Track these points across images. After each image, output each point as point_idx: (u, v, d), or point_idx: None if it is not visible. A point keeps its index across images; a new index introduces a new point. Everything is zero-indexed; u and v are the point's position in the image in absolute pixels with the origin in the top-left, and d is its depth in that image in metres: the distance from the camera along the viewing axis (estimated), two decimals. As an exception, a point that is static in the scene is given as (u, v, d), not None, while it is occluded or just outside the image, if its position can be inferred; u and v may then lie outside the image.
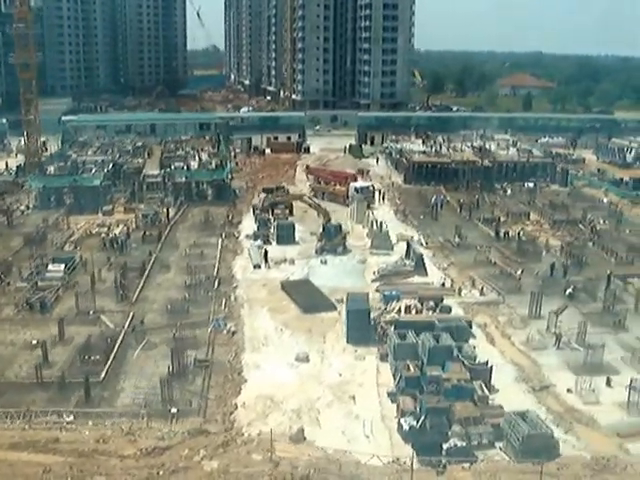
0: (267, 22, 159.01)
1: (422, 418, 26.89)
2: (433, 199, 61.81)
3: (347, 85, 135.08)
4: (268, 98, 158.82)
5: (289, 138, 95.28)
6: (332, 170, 72.31)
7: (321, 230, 50.78)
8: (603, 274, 45.15)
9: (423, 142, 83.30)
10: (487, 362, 31.29)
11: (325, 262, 47.57)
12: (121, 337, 35.79)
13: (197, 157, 72.77)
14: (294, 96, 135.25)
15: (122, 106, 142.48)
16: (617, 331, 37.42)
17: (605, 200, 68.55)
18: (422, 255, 45.87)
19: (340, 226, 51.04)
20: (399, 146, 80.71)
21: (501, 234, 53.59)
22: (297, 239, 52.63)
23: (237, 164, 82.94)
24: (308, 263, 47.63)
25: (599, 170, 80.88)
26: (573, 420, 28.78)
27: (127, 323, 37.64)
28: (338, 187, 64.11)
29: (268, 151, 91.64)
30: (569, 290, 41.63)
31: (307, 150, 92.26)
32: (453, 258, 49.09)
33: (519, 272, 45.72)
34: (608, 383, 31.45)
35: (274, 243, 51.79)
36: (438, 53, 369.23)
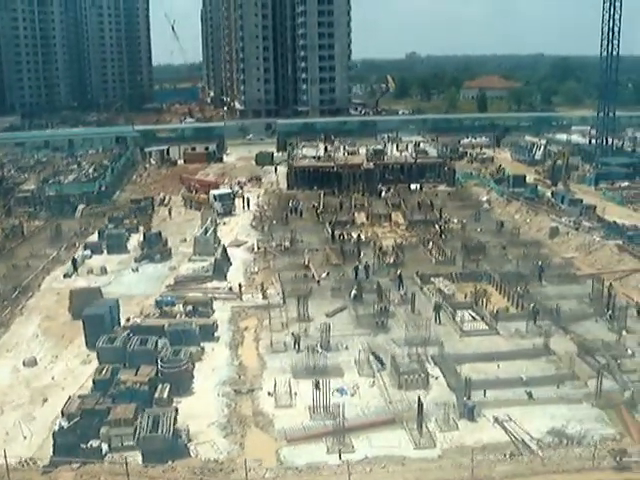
0: (222, 34, 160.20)
1: (76, 419, 26.60)
2: (290, 204, 61.46)
3: (289, 93, 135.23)
4: (226, 109, 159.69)
5: (207, 148, 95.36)
6: (198, 179, 72.23)
7: (142, 239, 50.75)
8: (411, 274, 44.60)
9: (325, 148, 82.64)
10: (184, 365, 30.78)
11: (136, 270, 47.38)
12: None
13: (86, 171, 73.40)
14: (238, 105, 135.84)
15: (77, 122, 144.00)
16: (377, 332, 36.65)
17: (484, 198, 67.40)
18: (221, 260, 45.41)
19: (160, 234, 51.01)
20: (295, 152, 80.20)
21: (337, 237, 52.91)
22: (130, 248, 52.60)
23: (141, 175, 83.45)
24: (120, 272, 47.61)
25: (499, 168, 79.57)
26: (252, 424, 28.13)
27: None
28: (202, 195, 63.99)
29: (182, 162, 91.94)
30: (353, 292, 40.82)
31: (220, 160, 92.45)
32: (273, 262, 48.63)
33: (323, 275, 45.17)
34: (317, 386, 30.62)
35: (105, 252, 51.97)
36: (440, 58, 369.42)
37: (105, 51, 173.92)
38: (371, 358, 32.64)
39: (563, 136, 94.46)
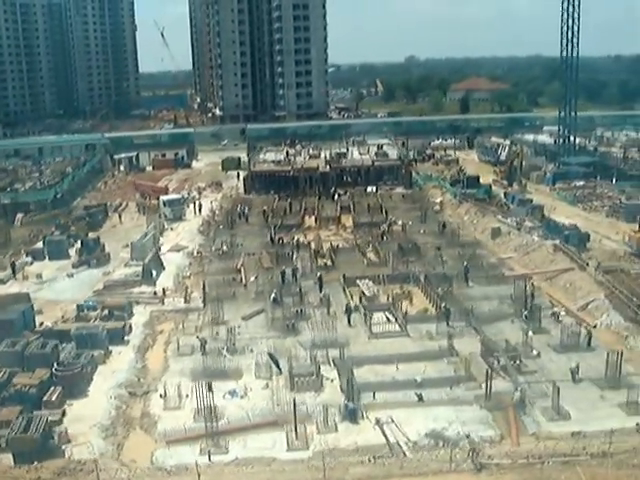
0: (204, 40, 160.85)
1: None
2: (239, 208, 61.90)
3: (267, 98, 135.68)
4: (210, 115, 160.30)
5: (177, 154, 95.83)
6: (151, 185, 72.75)
7: (79, 245, 51.16)
8: (336, 277, 44.73)
9: (287, 152, 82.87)
10: (78, 368, 31.01)
11: (71, 275, 47.72)
12: None
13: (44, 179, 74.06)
14: (217, 111, 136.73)
15: (62, 130, 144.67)
16: (287, 335, 36.76)
17: (438, 200, 67.41)
18: (150, 265, 45.67)
19: (98, 239, 51.46)
20: (256, 157, 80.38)
21: (276, 240, 53.16)
22: (72, 254, 52.87)
23: (106, 183, 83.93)
24: (56, 278, 47.93)
25: (460, 169, 79.50)
26: (137, 425, 28.39)
27: None
28: (153, 201, 64.43)
29: (150, 168, 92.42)
30: (272, 295, 40.93)
31: (188, 166, 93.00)
32: (208, 267, 48.82)
33: (252, 278, 45.34)
34: (209, 388, 30.73)
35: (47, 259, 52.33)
36: (439, 61, 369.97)
37: (91, 59, 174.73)
38: (269, 360, 32.79)
39: (530, 136, 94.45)
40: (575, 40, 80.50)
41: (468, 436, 25.98)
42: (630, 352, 34.26)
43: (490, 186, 68.41)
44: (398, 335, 36.40)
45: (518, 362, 31.92)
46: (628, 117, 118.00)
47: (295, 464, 24.98)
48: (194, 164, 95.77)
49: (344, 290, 42.51)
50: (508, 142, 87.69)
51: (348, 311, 37.67)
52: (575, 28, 79.79)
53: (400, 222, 57.60)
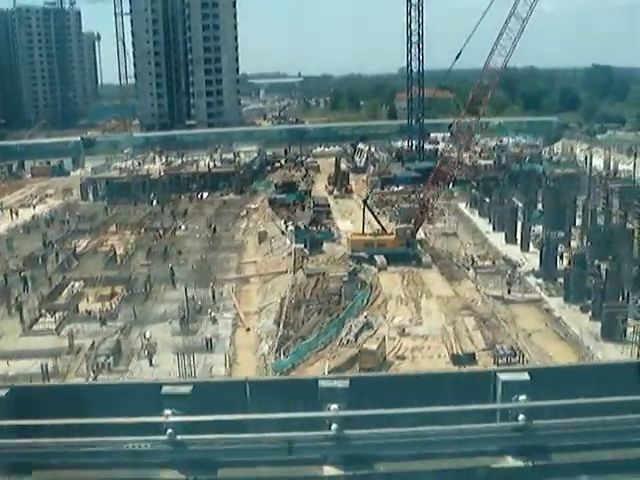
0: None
1: None
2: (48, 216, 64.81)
3: (183, 107, 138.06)
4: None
5: (61, 162, 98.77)
6: None
7: None
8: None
9: (143, 159, 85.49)
10: None
11: None
12: None
13: None
14: (135, 120, 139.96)
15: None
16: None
17: (253, 206, 69.30)
18: None
19: None
20: (115, 164, 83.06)
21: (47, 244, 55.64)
22: None
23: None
24: None
25: (306, 174, 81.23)
26: None
27: None
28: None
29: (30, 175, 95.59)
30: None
31: (67, 174, 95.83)
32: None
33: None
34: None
35: None
36: (431, 72, 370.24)
37: (35, 69, 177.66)
38: None
39: (398, 143, 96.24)
40: (420, 46, 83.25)
41: None
42: (253, 355, 36.16)
43: (306, 192, 70.14)
44: (49, 333, 38.49)
45: (110, 361, 33.76)
46: (530, 123, 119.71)
47: None
48: (77, 172, 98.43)
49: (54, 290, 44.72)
50: (366, 149, 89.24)
51: (19, 309, 39.90)
52: (420, 33, 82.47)
53: (183, 227, 59.78)
